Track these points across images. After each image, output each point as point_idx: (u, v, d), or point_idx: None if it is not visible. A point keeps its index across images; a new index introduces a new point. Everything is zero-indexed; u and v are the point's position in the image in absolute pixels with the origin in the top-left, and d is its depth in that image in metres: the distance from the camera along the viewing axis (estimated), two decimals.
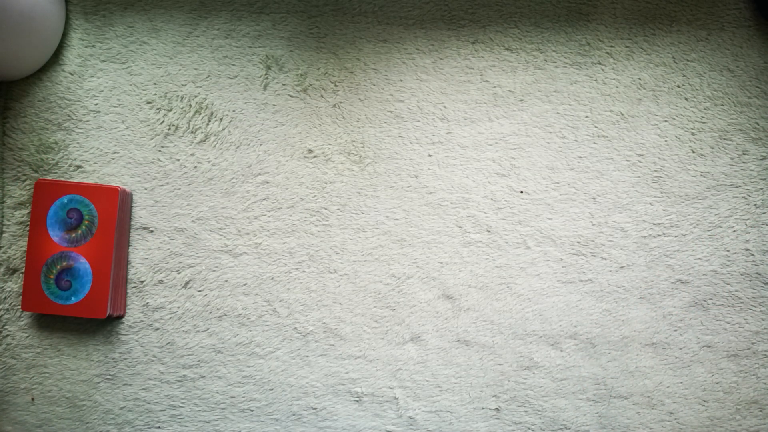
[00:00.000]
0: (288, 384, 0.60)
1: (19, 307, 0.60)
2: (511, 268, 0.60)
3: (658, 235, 0.60)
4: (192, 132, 0.62)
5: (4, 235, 0.61)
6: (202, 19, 0.62)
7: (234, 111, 0.62)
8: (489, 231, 0.61)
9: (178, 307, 0.61)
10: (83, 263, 0.58)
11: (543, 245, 0.60)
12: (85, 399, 0.60)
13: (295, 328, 0.61)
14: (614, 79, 0.61)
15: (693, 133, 0.61)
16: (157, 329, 0.61)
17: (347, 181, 0.61)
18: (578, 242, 0.60)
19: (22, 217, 0.61)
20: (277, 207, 0.61)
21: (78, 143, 0.61)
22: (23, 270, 0.60)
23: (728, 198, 0.60)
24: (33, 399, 0.60)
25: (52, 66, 0.62)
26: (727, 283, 0.59)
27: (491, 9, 0.62)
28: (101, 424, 0.60)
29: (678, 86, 0.61)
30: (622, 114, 0.61)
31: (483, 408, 0.60)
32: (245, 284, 0.61)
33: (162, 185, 0.61)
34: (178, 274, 0.61)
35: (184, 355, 0.61)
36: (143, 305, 0.61)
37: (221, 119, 0.62)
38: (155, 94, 0.62)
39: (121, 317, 0.61)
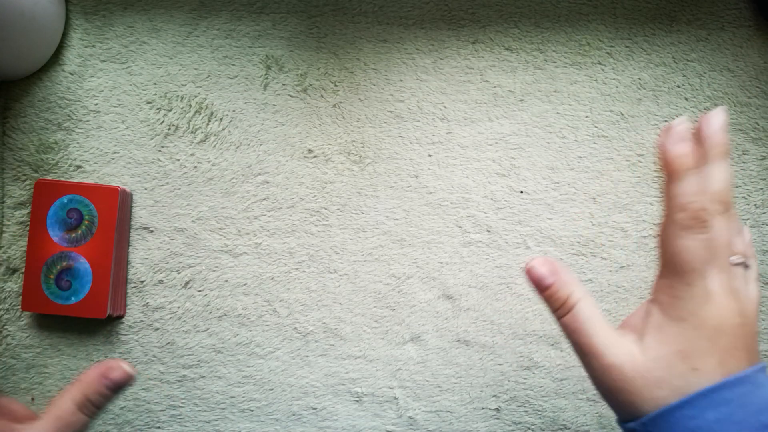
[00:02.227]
0: (288, 384, 0.60)
1: (19, 307, 0.60)
2: (511, 268, 0.60)
3: (658, 235, 0.60)
4: (192, 132, 0.62)
5: (4, 235, 0.61)
6: (202, 19, 0.62)
7: (234, 111, 0.62)
8: (489, 231, 0.61)
9: (178, 307, 0.61)
10: (83, 263, 0.58)
11: (543, 245, 0.60)
12: None
13: (295, 328, 0.61)
14: (614, 79, 0.61)
15: None
16: (157, 329, 0.61)
17: (347, 181, 0.61)
18: (578, 242, 0.60)
19: (22, 217, 0.61)
20: (277, 207, 0.61)
21: (78, 143, 0.61)
22: (23, 270, 0.60)
23: None
24: (33, 399, 0.60)
25: (52, 66, 0.62)
26: None
27: (491, 9, 0.62)
28: (101, 424, 0.60)
29: (678, 86, 0.61)
30: (622, 114, 0.61)
31: (483, 408, 0.60)
32: (245, 284, 0.61)
33: (162, 185, 0.61)
34: (178, 274, 0.61)
35: (184, 355, 0.61)
36: (143, 305, 0.61)
37: (221, 119, 0.62)
38: (155, 94, 0.62)
39: (121, 317, 0.61)
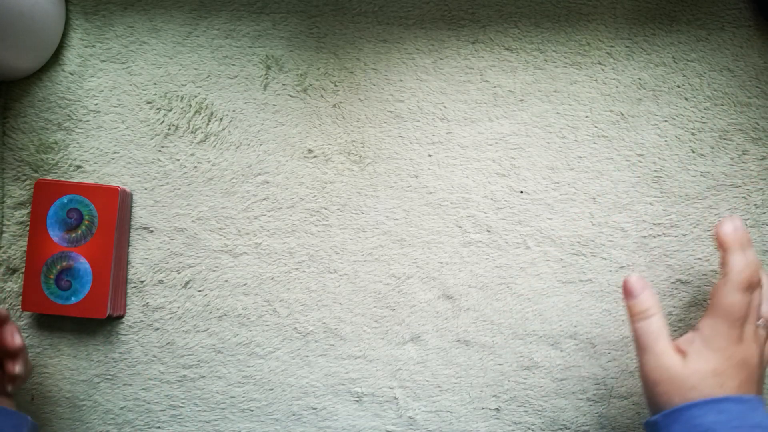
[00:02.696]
0: (288, 384, 0.60)
1: (19, 307, 0.60)
2: (511, 268, 0.60)
3: (658, 235, 0.60)
4: (192, 132, 0.62)
5: (4, 235, 0.61)
6: (202, 19, 0.62)
7: (234, 111, 0.62)
8: (489, 231, 0.61)
9: (178, 307, 0.61)
10: (83, 263, 0.58)
11: (543, 245, 0.60)
12: (85, 399, 0.60)
13: (295, 328, 0.61)
14: (614, 79, 0.61)
15: (693, 133, 0.61)
16: (157, 329, 0.61)
17: (347, 181, 0.61)
18: (578, 242, 0.60)
19: (22, 217, 0.61)
20: (277, 207, 0.61)
21: (78, 143, 0.61)
22: (23, 270, 0.60)
23: (728, 198, 0.60)
24: (33, 399, 0.60)
25: (52, 66, 0.62)
26: None
27: (491, 9, 0.62)
28: (101, 424, 0.60)
29: (678, 86, 0.61)
30: (622, 114, 0.61)
31: (483, 408, 0.60)
32: (245, 284, 0.61)
33: (162, 185, 0.61)
34: (178, 274, 0.61)
35: (184, 355, 0.61)
36: (143, 305, 0.61)
37: (221, 119, 0.62)
38: (155, 94, 0.62)
39: (121, 317, 0.61)
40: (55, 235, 0.58)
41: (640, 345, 0.48)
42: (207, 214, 0.61)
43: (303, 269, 0.61)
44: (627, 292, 0.49)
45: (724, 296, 0.47)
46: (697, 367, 0.44)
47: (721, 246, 0.48)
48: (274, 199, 0.61)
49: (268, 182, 0.61)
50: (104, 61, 0.62)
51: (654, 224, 0.60)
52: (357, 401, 0.60)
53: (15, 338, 0.50)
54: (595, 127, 0.61)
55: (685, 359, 0.45)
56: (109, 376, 0.60)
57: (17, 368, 0.49)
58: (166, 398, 0.60)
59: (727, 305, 0.46)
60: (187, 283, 0.61)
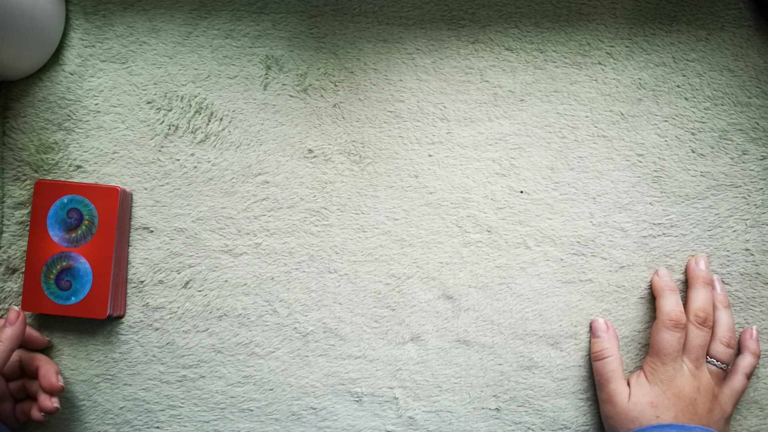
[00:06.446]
0: (288, 384, 0.60)
1: (19, 307, 0.60)
2: (511, 268, 0.60)
3: (658, 235, 0.60)
4: (192, 132, 0.62)
5: (4, 235, 0.61)
6: (202, 19, 0.62)
7: (234, 111, 0.62)
8: (489, 231, 0.61)
9: (178, 307, 0.61)
10: (83, 263, 0.58)
11: (543, 245, 0.60)
12: (84, 399, 0.60)
13: (295, 328, 0.61)
14: (614, 79, 0.61)
15: (693, 133, 0.61)
16: (157, 329, 0.61)
17: (347, 181, 0.61)
18: (578, 242, 0.60)
19: (22, 217, 0.61)
20: (277, 207, 0.61)
21: (78, 143, 0.61)
22: (23, 270, 0.60)
23: (728, 198, 0.60)
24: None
25: (52, 66, 0.62)
26: (727, 283, 0.59)
27: (491, 9, 0.62)
28: (99, 424, 0.60)
29: (678, 86, 0.61)
30: (622, 114, 0.61)
31: (483, 408, 0.60)
32: (245, 284, 0.61)
33: (162, 185, 0.61)
34: (178, 274, 0.61)
35: (184, 355, 0.61)
36: (143, 305, 0.61)
37: (221, 119, 0.62)
38: (155, 94, 0.62)
39: (121, 317, 0.61)
40: (55, 235, 0.58)
41: (596, 381, 0.56)
42: (207, 214, 0.61)
43: (303, 269, 0.61)
44: (591, 331, 0.58)
45: (654, 335, 0.54)
46: (637, 400, 0.51)
47: (654, 292, 0.57)
48: (274, 199, 0.61)
49: (268, 182, 0.61)
50: (104, 61, 0.62)
51: (654, 224, 0.60)
52: (357, 401, 0.60)
53: (59, 379, 0.55)
54: (595, 127, 0.61)
55: (630, 394, 0.52)
56: (108, 376, 0.60)
57: (56, 403, 0.54)
58: (166, 398, 0.60)
59: (657, 343, 0.53)
60: (187, 283, 0.61)
